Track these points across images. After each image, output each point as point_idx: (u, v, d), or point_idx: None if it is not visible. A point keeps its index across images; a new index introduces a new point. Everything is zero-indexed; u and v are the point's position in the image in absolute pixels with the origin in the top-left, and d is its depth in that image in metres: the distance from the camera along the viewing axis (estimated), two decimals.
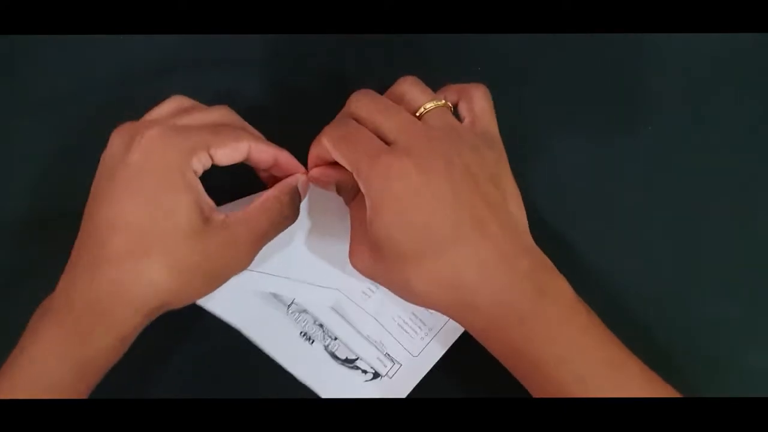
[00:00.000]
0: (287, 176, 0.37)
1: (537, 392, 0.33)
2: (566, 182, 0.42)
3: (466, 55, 0.43)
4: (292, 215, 0.36)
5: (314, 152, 0.36)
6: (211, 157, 0.34)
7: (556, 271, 0.33)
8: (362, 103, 0.35)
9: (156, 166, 0.32)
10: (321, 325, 0.40)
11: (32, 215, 0.42)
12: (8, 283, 0.42)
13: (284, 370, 0.41)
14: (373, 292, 0.40)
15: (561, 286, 0.33)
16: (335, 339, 0.40)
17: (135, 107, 0.43)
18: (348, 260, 0.37)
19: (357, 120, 0.34)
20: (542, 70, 0.43)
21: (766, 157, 0.43)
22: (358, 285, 0.40)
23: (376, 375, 0.40)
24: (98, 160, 0.43)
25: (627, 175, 0.42)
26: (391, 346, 0.40)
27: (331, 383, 0.40)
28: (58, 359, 0.31)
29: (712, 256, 0.42)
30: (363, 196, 0.33)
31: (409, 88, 0.35)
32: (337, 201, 0.39)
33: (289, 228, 0.36)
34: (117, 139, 0.34)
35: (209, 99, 0.43)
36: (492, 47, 0.43)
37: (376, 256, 0.33)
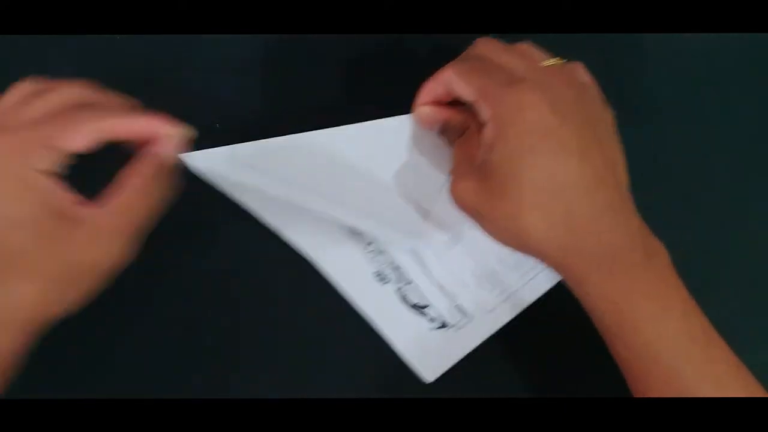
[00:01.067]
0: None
1: (619, 349, 0.33)
2: None
3: None
4: (164, 191, 0.33)
5: (429, 88, 0.35)
6: (61, 149, 0.31)
7: (655, 238, 0.33)
8: (490, 44, 0.35)
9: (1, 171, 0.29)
10: (397, 267, 0.40)
11: None
12: None
13: (285, 369, 0.41)
14: (455, 243, 0.40)
15: (664, 252, 0.33)
16: (409, 283, 0.40)
17: None
18: (434, 207, 0.37)
19: (482, 59, 0.34)
20: None
21: (765, 157, 0.43)
22: (439, 234, 0.40)
23: (443, 325, 0.40)
24: (98, 161, 0.43)
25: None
26: (465, 298, 0.40)
27: (397, 325, 0.40)
28: None
29: (712, 256, 0.42)
30: (471, 133, 0.33)
31: (529, 47, 0.35)
32: (429, 145, 0.38)
33: (374, 165, 0.37)
34: None
35: (209, 99, 0.43)
36: None
37: (485, 188, 0.32)
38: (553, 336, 0.41)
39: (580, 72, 0.35)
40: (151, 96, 0.43)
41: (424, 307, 0.40)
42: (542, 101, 0.32)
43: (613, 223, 0.32)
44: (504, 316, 0.40)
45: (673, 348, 0.32)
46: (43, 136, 0.30)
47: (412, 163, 0.39)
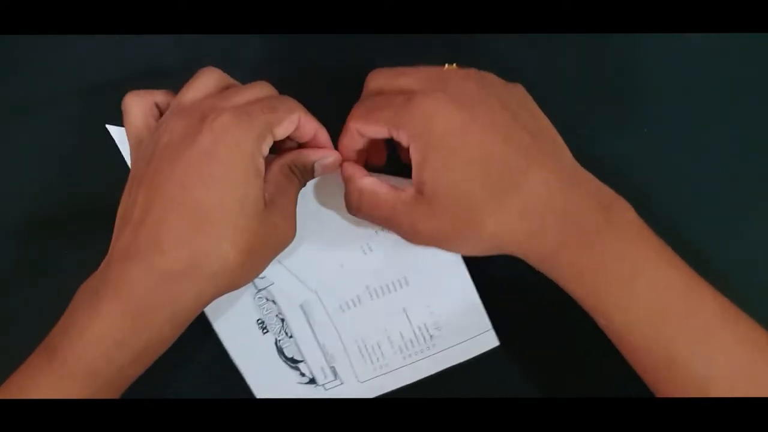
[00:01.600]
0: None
1: (603, 321, 0.32)
2: None
3: (466, 55, 0.43)
4: (305, 179, 0.36)
5: (344, 144, 0.36)
6: (274, 136, 0.33)
7: (618, 196, 0.33)
8: (379, 75, 0.35)
9: (230, 151, 0.31)
10: (282, 320, 0.39)
11: (32, 215, 0.42)
12: (8, 283, 0.42)
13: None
14: (349, 307, 0.39)
15: (625, 207, 0.33)
16: (291, 337, 0.39)
17: None
18: (336, 267, 0.37)
19: (379, 93, 0.35)
20: (542, 70, 0.43)
21: (765, 157, 0.43)
22: (336, 295, 0.39)
23: (312, 380, 0.40)
24: (98, 161, 0.43)
25: (626, 175, 0.42)
26: (342, 363, 0.39)
27: (265, 377, 0.39)
28: (117, 346, 0.30)
29: (711, 256, 0.42)
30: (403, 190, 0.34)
31: (421, 66, 0.35)
32: (333, 204, 0.38)
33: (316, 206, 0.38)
34: (180, 121, 0.33)
35: None
36: (492, 47, 0.43)
37: (433, 214, 0.32)
38: (553, 336, 0.41)
39: (473, 70, 0.35)
40: None
41: (299, 362, 0.40)
42: (445, 102, 0.32)
43: (564, 196, 0.32)
44: (376, 389, 0.40)
45: (651, 308, 0.31)
46: (270, 124, 0.33)
47: (343, 216, 0.38)
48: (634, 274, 0.31)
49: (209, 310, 0.39)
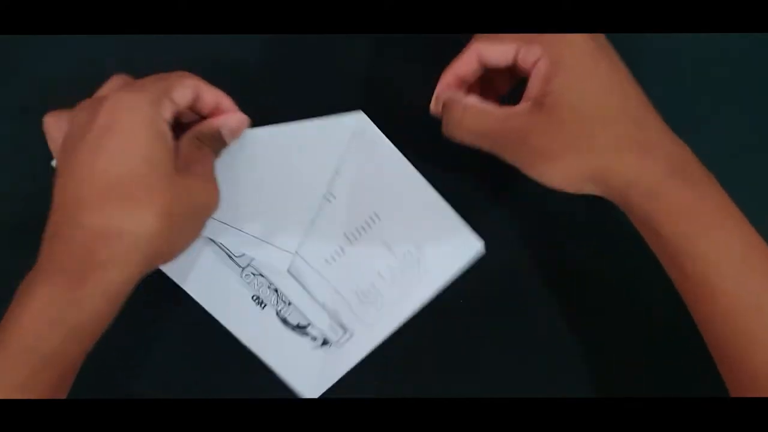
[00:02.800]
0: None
1: (680, 257, 0.33)
2: None
3: None
4: (217, 152, 0.37)
5: (454, 67, 0.36)
6: (175, 101, 0.34)
7: (701, 166, 0.34)
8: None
9: (127, 119, 0.32)
10: (276, 290, 0.40)
11: (32, 216, 0.42)
12: (7, 283, 0.42)
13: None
14: (334, 259, 0.40)
15: (703, 173, 0.34)
16: (289, 304, 0.40)
17: None
18: (306, 223, 0.38)
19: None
20: None
21: (763, 158, 0.43)
22: (318, 250, 0.40)
23: (325, 342, 0.40)
24: None
25: None
26: (346, 314, 0.40)
27: (277, 349, 0.40)
28: (50, 325, 0.31)
29: None
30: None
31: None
32: (315, 156, 0.39)
33: (244, 181, 0.38)
34: (82, 111, 0.34)
35: None
36: None
37: (550, 126, 0.33)
38: (553, 336, 0.41)
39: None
40: None
41: (306, 326, 0.40)
42: (581, 36, 0.34)
43: (675, 138, 0.33)
44: (384, 329, 0.40)
45: (728, 264, 0.32)
46: (163, 89, 0.34)
47: (296, 171, 0.39)
48: (724, 225, 0.33)
49: (210, 304, 0.39)
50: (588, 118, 0.33)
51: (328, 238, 0.40)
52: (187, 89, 0.35)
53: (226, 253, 0.40)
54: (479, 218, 0.41)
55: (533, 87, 0.34)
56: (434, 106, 0.37)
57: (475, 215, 0.41)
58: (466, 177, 0.42)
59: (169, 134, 0.34)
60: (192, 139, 0.36)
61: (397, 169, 0.39)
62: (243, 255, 0.40)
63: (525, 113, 0.34)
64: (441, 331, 0.41)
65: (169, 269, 0.39)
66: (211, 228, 0.39)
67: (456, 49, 0.43)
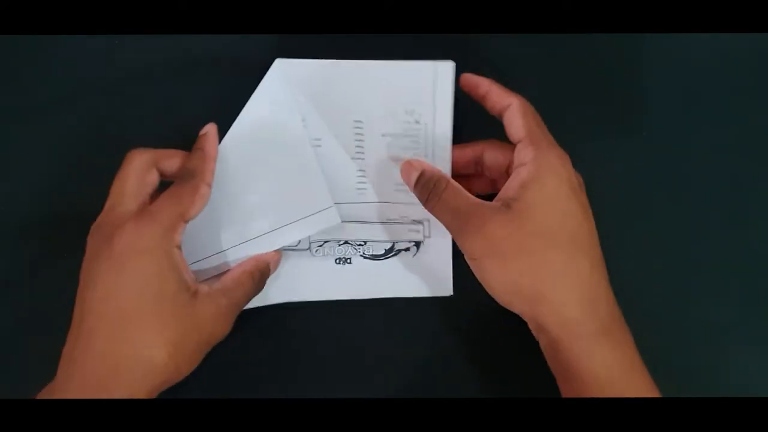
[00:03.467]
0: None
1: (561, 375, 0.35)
2: None
3: (466, 55, 0.43)
4: (261, 288, 0.39)
5: (496, 91, 0.38)
6: (187, 220, 0.36)
7: (626, 330, 0.35)
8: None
9: (141, 250, 0.34)
10: (346, 242, 0.41)
11: (32, 216, 0.42)
12: (8, 284, 0.42)
13: (284, 369, 0.41)
14: (363, 183, 0.41)
15: (626, 338, 0.35)
16: (365, 243, 0.41)
17: (135, 107, 0.43)
18: (319, 173, 0.39)
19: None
20: (542, 70, 0.43)
21: (764, 158, 0.43)
22: (346, 187, 0.40)
23: (417, 244, 0.41)
24: (98, 160, 0.43)
25: (625, 176, 0.42)
26: (409, 212, 0.41)
27: (395, 282, 0.41)
28: None
29: (709, 258, 0.42)
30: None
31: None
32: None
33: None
34: (93, 241, 0.35)
35: (210, 99, 0.43)
36: (492, 47, 0.43)
37: (511, 224, 0.34)
38: None
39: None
40: (151, 96, 0.43)
41: (392, 248, 0.41)
42: (565, 160, 0.36)
43: (610, 296, 0.35)
44: None
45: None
46: (178, 215, 0.35)
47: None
48: (612, 379, 0.34)
49: (308, 295, 0.41)
50: (545, 240, 0.34)
51: (345, 174, 0.40)
52: (203, 203, 0.36)
53: (284, 250, 0.41)
54: None
55: (510, 187, 0.35)
56: (411, 176, 0.38)
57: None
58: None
59: (180, 260, 0.35)
60: (246, 274, 0.37)
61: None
62: (298, 242, 0.41)
63: (495, 207, 0.35)
64: (441, 331, 0.41)
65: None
66: (254, 246, 0.39)
67: (456, 49, 0.43)
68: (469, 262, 0.36)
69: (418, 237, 0.41)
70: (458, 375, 0.41)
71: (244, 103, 0.39)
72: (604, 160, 0.43)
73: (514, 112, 0.36)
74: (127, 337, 0.33)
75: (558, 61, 0.43)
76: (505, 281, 0.35)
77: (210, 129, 0.38)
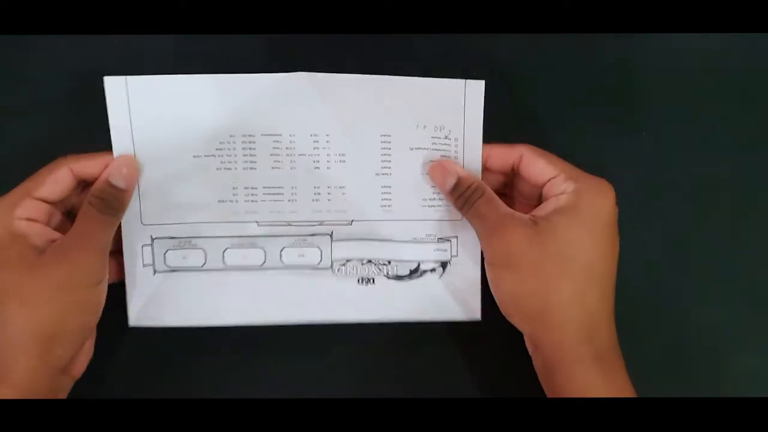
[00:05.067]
0: None
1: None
2: None
3: (466, 55, 0.43)
4: (114, 210, 0.37)
5: (499, 152, 0.38)
6: (42, 199, 0.36)
7: (621, 362, 0.36)
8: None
9: None
10: (369, 261, 0.40)
11: None
12: None
13: (284, 369, 0.41)
14: (388, 201, 0.40)
15: (620, 367, 0.35)
16: (388, 263, 0.40)
17: None
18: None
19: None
20: (541, 70, 0.43)
21: (764, 159, 0.43)
22: (371, 204, 0.39)
23: (444, 264, 0.40)
24: None
25: (625, 176, 0.42)
26: (435, 228, 0.40)
27: (423, 303, 0.40)
28: None
29: (709, 258, 0.42)
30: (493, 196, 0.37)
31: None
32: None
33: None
34: None
35: None
36: (491, 47, 0.43)
37: (536, 238, 0.35)
38: None
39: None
40: None
41: (417, 267, 0.40)
42: (612, 197, 0.36)
43: (611, 326, 0.36)
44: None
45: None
46: (27, 189, 0.36)
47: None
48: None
49: (332, 317, 0.40)
50: (562, 265, 0.34)
51: (370, 190, 0.39)
52: (57, 181, 0.36)
53: (305, 268, 0.40)
54: None
55: (544, 208, 0.36)
56: (446, 181, 0.38)
57: None
58: None
59: (30, 229, 0.35)
60: (86, 207, 0.36)
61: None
62: (319, 261, 0.40)
63: (524, 219, 0.35)
64: (439, 331, 0.41)
65: (281, 314, 0.40)
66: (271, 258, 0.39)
67: (456, 49, 0.43)
68: (485, 266, 0.37)
69: (445, 257, 0.40)
70: (458, 375, 0.41)
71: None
72: (604, 160, 0.43)
73: (530, 156, 0.37)
74: None
75: (558, 61, 0.43)
76: (513, 294, 0.36)
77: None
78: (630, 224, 0.42)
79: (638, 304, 0.41)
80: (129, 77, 0.38)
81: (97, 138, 0.43)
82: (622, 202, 0.42)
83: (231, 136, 0.38)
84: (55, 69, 0.44)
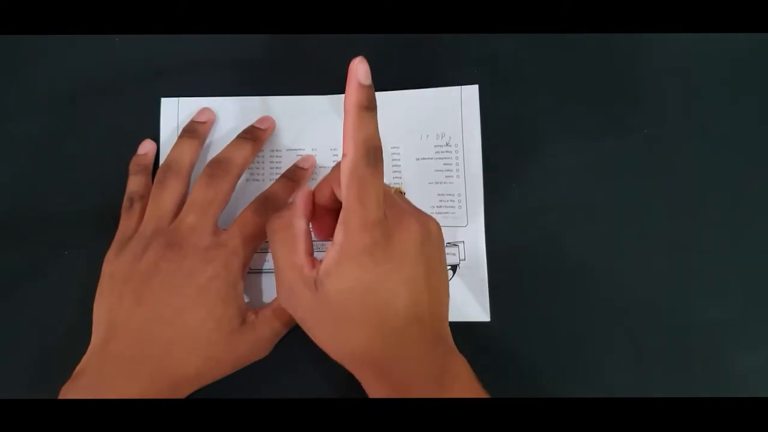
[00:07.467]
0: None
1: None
2: (564, 183, 0.42)
3: (465, 55, 0.43)
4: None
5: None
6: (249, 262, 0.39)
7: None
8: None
9: (220, 286, 0.37)
10: None
11: (31, 215, 0.42)
12: (8, 283, 0.42)
13: (285, 369, 0.41)
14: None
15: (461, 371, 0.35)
16: None
17: (134, 107, 0.43)
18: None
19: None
20: (541, 70, 0.43)
21: (763, 158, 0.43)
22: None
23: (453, 268, 0.41)
24: (98, 161, 0.43)
25: (625, 176, 0.42)
26: (445, 234, 0.39)
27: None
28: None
29: (709, 258, 0.42)
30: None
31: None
32: None
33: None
34: (180, 256, 0.36)
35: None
36: (491, 47, 0.43)
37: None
38: (553, 336, 0.41)
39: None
40: (151, 96, 0.43)
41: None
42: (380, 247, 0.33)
43: (391, 354, 0.34)
44: (479, 212, 0.42)
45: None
46: (247, 254, 0.38)
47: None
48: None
49: None
50: (340, 317, 0.34)
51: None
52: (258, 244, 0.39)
53: None
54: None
55: (323, 265, 0.34)
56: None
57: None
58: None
59: (242, 296, 0.38)
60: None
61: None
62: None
63: (309, 284, 0.34)
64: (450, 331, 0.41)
65: None
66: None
67: (456, 49, 0.43)
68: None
69: (454, 260, 0.41)
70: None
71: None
72: (604, 160, 0.43)
73: (343, 168, 0.32)
74: (182, 346, 0.36)
75: (558, 61, 0.43)
76: (321, 343, 0.36)
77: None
78: (630, 223, 0.42)
79: (638, 305, 0.41)
80: (181, 99, 0.42)
81: (97, 138, 0.43)
82: (622, 201, 0.42)
83: (261, 151, 0.42)
84: (55, 69, 0.44)
